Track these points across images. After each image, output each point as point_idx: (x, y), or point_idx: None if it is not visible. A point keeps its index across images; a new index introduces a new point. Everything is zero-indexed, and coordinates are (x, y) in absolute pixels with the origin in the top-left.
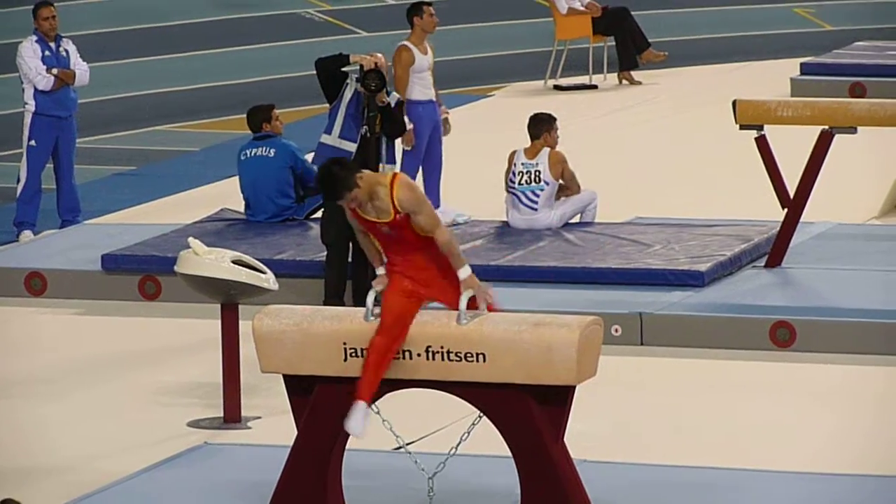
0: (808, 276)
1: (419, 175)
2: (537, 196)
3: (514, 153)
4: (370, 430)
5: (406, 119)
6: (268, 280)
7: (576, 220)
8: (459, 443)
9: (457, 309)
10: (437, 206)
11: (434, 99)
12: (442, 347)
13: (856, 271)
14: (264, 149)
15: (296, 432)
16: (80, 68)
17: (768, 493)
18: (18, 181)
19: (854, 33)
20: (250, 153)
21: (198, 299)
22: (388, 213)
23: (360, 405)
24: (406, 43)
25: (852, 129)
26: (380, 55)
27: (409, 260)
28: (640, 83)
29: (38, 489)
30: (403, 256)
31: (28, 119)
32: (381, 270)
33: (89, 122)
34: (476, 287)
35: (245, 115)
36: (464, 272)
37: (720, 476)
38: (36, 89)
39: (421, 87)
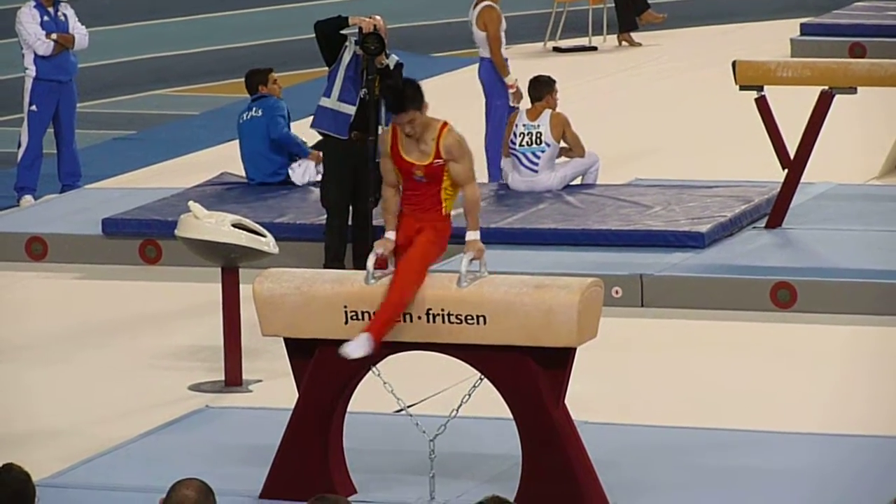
0: (808, 237)
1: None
2: (538, 158)
3: (515, 114)
4: (372, 392)
5: (510, 77)
6: (268, 243)
7: (577, 182)
8: (460, 405)
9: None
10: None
11: None
12: (442, 310)
13: (856, 232)
14: (255, 109)
15: (297, 395)
16: (79, 32)
17: (770, 453)
18: (19, 146)
19: None
20: (246, 116)
21: (198, 263)
22: (429, 156)
23: (365, 336)
24: (491, 3)
25: (852, 90)
26: (378, 17)
27: (424, 214)
28: (639, 45)
29: (39, 453)
30: (420, 208)
31: (29, 84)
32: (390, 234)
33: (89, 86)
34: (477, 252)
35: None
36: (473, 234)
37: (722, 437)
38: (36, 55)
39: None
